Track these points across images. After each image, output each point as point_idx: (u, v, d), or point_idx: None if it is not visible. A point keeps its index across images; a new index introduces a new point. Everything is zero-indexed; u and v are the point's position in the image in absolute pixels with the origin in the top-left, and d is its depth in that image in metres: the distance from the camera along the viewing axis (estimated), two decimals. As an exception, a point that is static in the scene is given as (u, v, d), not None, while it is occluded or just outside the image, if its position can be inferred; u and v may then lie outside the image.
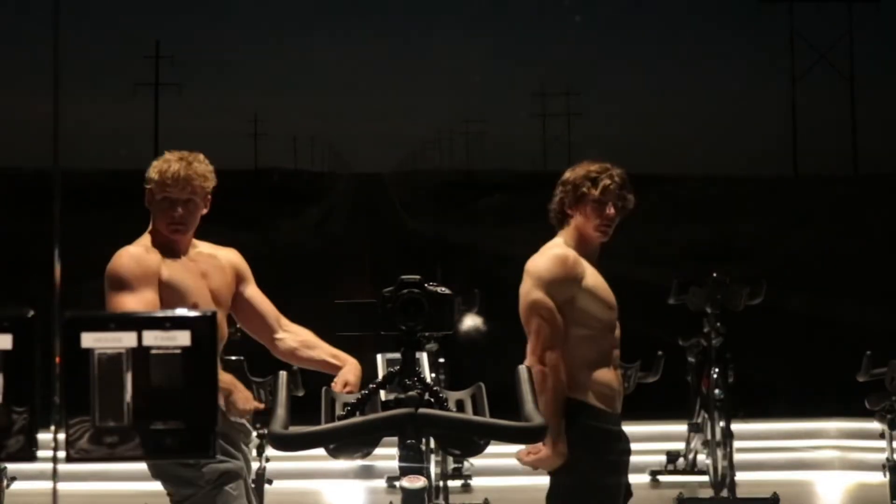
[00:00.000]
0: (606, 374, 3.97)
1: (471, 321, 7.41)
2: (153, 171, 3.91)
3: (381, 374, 2.83)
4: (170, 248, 3.91)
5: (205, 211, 3.98)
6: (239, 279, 4.08)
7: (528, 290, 3.98)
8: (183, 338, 1.70)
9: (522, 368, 2.89)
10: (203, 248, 4.04)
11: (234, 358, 5.62)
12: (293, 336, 4.06)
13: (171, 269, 3.85)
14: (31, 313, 1.70)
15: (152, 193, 3.91)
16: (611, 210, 4.01)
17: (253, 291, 4.10)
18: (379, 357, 2.91)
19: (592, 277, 4.00)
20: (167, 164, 3.90)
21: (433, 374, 4.78)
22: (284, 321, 4.11)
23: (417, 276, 2.75)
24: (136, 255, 3.84)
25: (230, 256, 4.10)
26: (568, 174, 4.07)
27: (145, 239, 3.93)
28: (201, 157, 3.96)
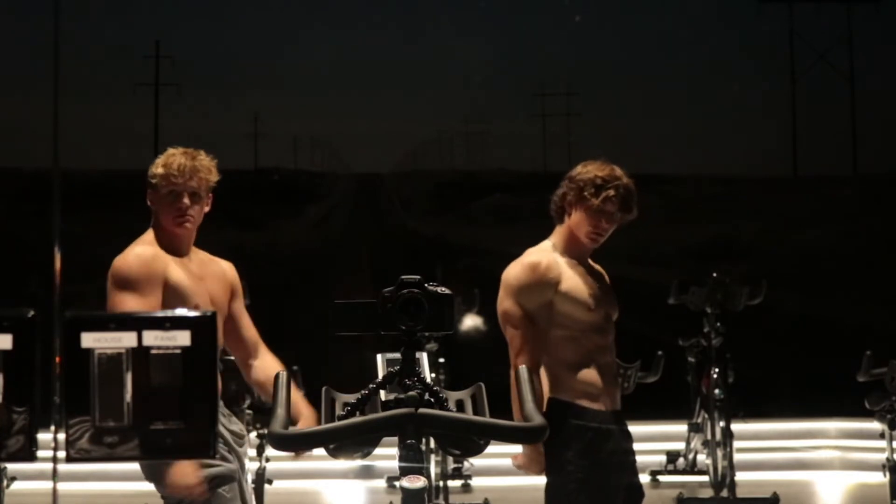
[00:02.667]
0: (591, 374, 3.94)
1: (471, 321, 7.41)
2: (157, 166, 3.90)
3: (381, 374, 2.83)
4: (173, 247, 3.89)
5: (207, 209, 3.98)
6: (231, 293, 4.08)
7: (500, 300, 3.99)
8: (183, 338, 1.70)
9: (523, 368, 2.88)
10: (202, 255, 4.04)
11: (232, 358, 5.61)
12: (263, 371, 4.06)
13: (175, 272, 3.83)
14: (31, 313, 1.70)
15: (156, 189, 3.90)
16: (605, 223, 3.98)
17: (239, 310, 4.12)
18: (379, 357, 2.90)
19: (572, 280, 3.97)
20: (172, 157, 3.91)
21: (433, 374, 4.78)
22: (262, 349, 4.13)
23: (417, 276, 2.74)
24: (144, 256, 3.82)
25: (227, 269, 4.11)
26: (578, 170, 4.02)
27: (149, 236, 3.91)
28: (203, 153, 3.98)
